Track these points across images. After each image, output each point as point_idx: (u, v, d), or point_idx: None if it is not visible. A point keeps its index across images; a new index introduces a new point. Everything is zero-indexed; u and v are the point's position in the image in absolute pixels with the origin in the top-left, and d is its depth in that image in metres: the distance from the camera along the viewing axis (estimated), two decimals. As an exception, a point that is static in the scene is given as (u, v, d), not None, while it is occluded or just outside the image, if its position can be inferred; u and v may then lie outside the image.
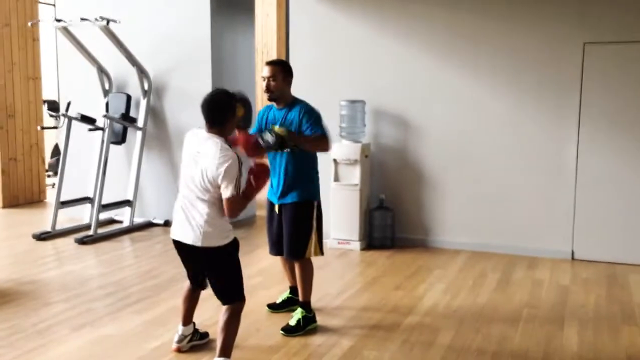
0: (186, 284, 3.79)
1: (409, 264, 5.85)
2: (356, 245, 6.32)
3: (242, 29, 7.79)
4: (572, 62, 5.87)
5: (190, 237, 3.40)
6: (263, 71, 4.10)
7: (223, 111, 3.40)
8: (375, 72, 6.50)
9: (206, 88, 7.00)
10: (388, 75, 6.48)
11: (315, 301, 4.72)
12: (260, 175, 3.41)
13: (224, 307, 3.47)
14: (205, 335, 3.93)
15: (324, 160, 6.24)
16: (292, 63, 6.72)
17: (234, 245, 3.51)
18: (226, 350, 3.39)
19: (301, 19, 6.75)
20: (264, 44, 12.99)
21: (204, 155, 3.35)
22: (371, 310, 4.61)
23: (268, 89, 4.07)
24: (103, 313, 4.50)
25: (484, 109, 6.19)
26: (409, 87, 6.42)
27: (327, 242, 6.40)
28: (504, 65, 6.10)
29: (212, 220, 3.38)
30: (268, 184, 3.65)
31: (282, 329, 4.13)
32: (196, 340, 3.86)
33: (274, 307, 4.54)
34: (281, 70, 4.08)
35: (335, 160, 6.34)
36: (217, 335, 3.46)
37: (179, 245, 3.53)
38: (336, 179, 6.37)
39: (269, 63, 4.13)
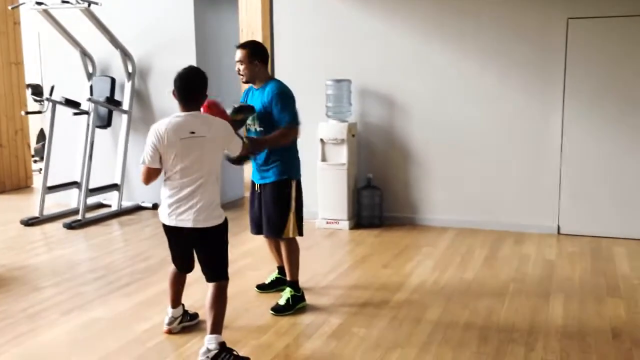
0: (172, 267, 3.80)
1: (397, 242, 5.90)
2: (345, 225, 6.35)
3: (226, 8, 7.72)
4: (556, 37, 5.88)
5: (190, 221, 3.41)
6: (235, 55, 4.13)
7: (199, 88, 3.45)
8: (360, 50, 6.49)
9: (191, 70, 6.97)
10: (373, 54, 6.47)
11: (304, 281, 4.76)
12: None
13: (211, 286, 3.49)
14: (195, 316, 3.96)
15: (311, 140, 6.29)
16: (276, 43, 6.73)
17: (226, 224, 3.55)
18: (217, 326, 3.42)
19: (283, 2, 6.70)
20: (248, 24, 12.88)
21: (204, 133, 3.37)
22: (360, 289, 4.65)
23: (239, 72, 4.10)
24: (93, 297, 4.51)
25: (469, 86, 6.21)
26: (394, 65, 6.41)
27: (316, 222, 6.44)
28: (488, 41, 6.10)
29: (212, 201, 3.44)
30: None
31: (272, 309, 4.16)
32: (186, 321, 3.89)
33: (262, 288, 4.58)
34: (248, 53, 4.06)
35: (322, 140, 6.34)
36: (205, 314, 3.49)
37: (174, 231, 3.51)
38: (323, 158, 6.37)
39: (238, 46, 4.13)
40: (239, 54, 4.09)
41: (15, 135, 8.92)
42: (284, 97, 4.09)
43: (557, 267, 5.13)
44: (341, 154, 6.33)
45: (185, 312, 3.90)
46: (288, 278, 4.29)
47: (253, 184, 4.30)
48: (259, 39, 12.22)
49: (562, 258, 5.36)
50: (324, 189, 6.39)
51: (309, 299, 4.37)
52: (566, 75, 5.88)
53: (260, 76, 4.15)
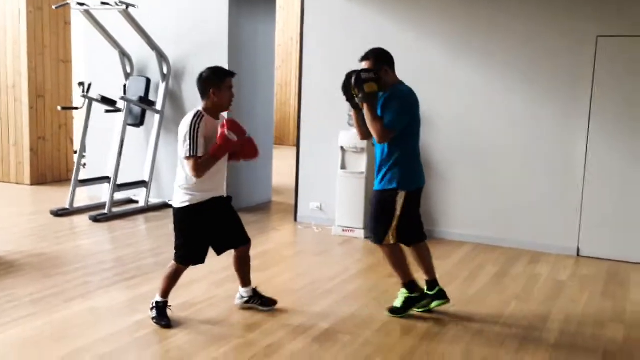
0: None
1: (410, 253, 5.82)
2: (360, 233, 6.35)
3: (262, 13, 7.84)
4: (585, 55, 5.75)
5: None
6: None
7: (203, 85, 3.90)
8: (385, 61, 6.49)
9: (222, 73, 7.14)
10: (398, 66, 6.43)
11: (305, 285, 4.82)
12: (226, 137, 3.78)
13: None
14: (267, 302, 4.19)
15: (333, 148, 6.33)
16: (304, 57, 6.81)
17: (186, 212, 3.87)
18: (162, 292, 3.99)
19: (315, 12, 6.78)
20: (288, 29, 12.99)
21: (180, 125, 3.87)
22: (358, 296, 4.65)
23: None
24: (97, 287, 4.66)
25: (494, 102, 6.13)
26: (418, 79, 6.34)
27: (332, 229, 6.46)
28: (516, 58, 6.02)
29: (178, 184, 3.92)
30: (235, 145, 3.82)
31: (388, 310, 4.26)
32: (256, 303, 4.20)
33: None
34: (374, 61, 4.16)
35: (342, 148, 6.36)
36: None
37: None
38: (343, 166, 6.39)
39: (362, 59, 4.18)
40: (364, 65, 4.14)
41: (59, 129, 9.28)
42: (395, 101, 4.12)
43: (567, 288, 5.00)
44: (361, 163, 6.34)
45: (256, 294, 4.24)
46: (401, 280, 4.31)
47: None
48: (297, 44, 12.36)
49: (574, 280, 5.22)
50: (341, 197, 6.41)
51: (307, 302, 4.43)
52: (593, 95, 5.74)
53: (388, 82, 4.17)
